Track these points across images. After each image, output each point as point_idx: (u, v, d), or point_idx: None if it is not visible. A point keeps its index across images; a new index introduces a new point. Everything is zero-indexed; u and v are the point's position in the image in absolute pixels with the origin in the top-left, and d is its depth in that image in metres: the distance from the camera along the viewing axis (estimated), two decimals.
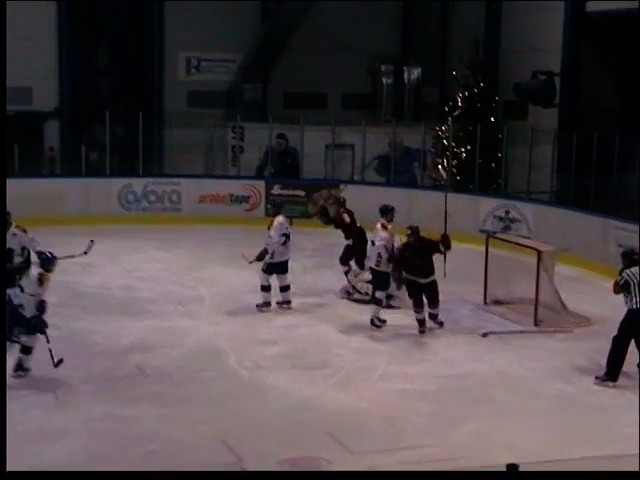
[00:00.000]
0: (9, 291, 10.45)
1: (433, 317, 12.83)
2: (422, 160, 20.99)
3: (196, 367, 11.28)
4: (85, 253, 11.78)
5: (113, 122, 20.64)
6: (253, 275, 13.79)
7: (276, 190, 20.29)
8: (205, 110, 21.98)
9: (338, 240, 15.06)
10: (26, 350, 10.53)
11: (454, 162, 20.61)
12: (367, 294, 13.77)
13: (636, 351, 10.86)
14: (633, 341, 10.83)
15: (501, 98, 21.20)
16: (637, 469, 7.02)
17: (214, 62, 23.66)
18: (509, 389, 10.78)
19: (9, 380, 10.35)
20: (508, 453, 8.58)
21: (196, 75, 23.63)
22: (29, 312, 10.33)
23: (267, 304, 13.55)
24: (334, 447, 9.04)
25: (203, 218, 19.56)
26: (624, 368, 10.91)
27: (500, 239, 14.90)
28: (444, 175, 15.33)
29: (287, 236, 13.54)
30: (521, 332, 12.94)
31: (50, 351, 10.42)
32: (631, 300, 10.74)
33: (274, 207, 14.02)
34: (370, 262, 13.22)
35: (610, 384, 10.85)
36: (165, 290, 14.61)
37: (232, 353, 11.69)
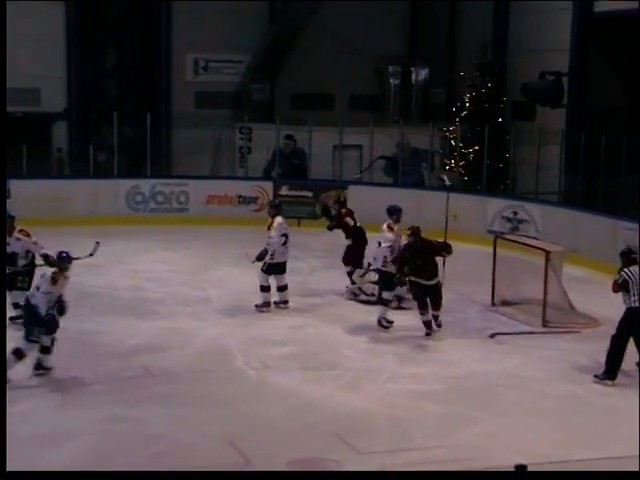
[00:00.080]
0: (28, 292, 10.50)
1: (434, 318, 12.72)
2: (430, 161, 20.99)
3: (203, 368, 11.28)
4: (91, 255, 11.80)
5: (121, 123, 20.68)
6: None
7: (284, 191, 20.29)
8: (213, 111, 22.05)
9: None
10: (45, 350, 10.59)
11: (462, 163, 20.60)
12: (373, 295, 13.76)
13: (635, 350, 10.86)
14: (632, 339, 10.85)
15: (509, 99, 21.18)
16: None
17: (222, 63, 23.71)
18: (517, 390, 10.75)
19: (18, 380, 10.40)
20: (516, 454, 8.54)
21: (204, 76, 23.66)
22: (42, 310, 10.37)
23: (267, 304, 13.57)
24: (342, 448, 9.03)
25: (211, 219, 19.57)
26: (623, 367, 10.92)
27: (508, 240, 14.88)
28: (447, 181, 15.28)
29: (287, 236, 13.58)
30: (529, 333, 12.91)
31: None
32: (629, 299, 10.78)
33: (273, 208, 14.01)
34: (376, 263, 13.21)
35: (609, 382, 10.88)
36: (172, 291, 14.62)
37: (239, 354, 11.69)
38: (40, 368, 10.63)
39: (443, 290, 12.82)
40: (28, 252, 12.23)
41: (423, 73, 23.92)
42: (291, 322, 13.20)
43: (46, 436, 9.15)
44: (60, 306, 10.58)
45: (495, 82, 20.98)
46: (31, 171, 19.38)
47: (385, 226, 13.17)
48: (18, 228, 12.29)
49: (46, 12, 21.86)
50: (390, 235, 12.97)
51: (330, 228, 14.88)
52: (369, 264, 14.12)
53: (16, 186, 19.13)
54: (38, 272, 12.19)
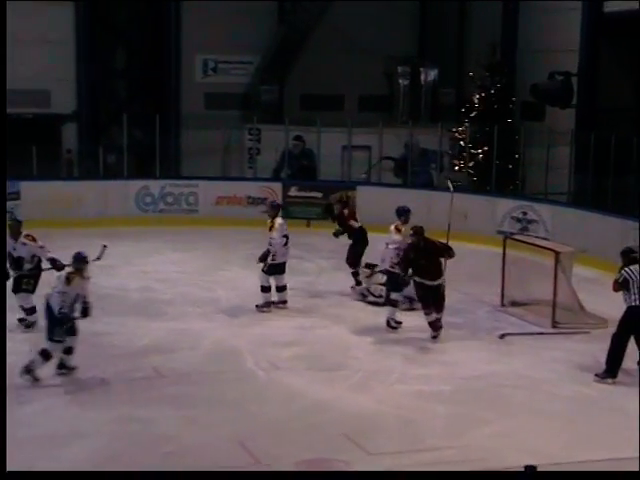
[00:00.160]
0: (47, 294, 10.62)
1: (436, 319, 12.52)
2: (439, 162, 20.97)
3: (213, 369, 11.30)
4: (98, 259, 11.82)
5: (130, 124, 20.73)
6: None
7: (293, 192, 20.32)
8: (222, 112, 22.07)
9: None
10: (68, 350, 10.65)
11: (471, 163, 20.59)
12: (381, 297, 13.77)
13: (636, 348, 10.88)
14: (633, 338, 10.87)
15: (518, 99, 21.16)
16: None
17: (231, 64, 23.74)
18: (526, 391, 10.74)
19: (27, 383, 10.44)
20: (526, 455, 8.55)
21: (213, 77, 23.70)
22: (56, 309, 10.42)
23: (268, 304, 13.62)
24: (351, 449, 9.03)
25: (220, 220, 19.60)
26: (624, 365, 10.94)
27: (517, 240, 14.86)
28: (451, 187, 15.26)
29: (287, 237, 13.66)
30: (539, 334, 12.90)
31: None
32: (630, 297, 10.82)
33: (273, 209, 14.04)
34: (384, 264, 13.23)
35: (610, 381, 10.91)
36: (182, 292, 14.65)
37: (249, 355, 11.70)
38: (63, 367, 10.71)
39: (451, 291, 12.79)
40: (34, 256, 12.31)
41: (432, 74, 23.92)
42: (300, 323, 13.21)
43: (57, 436, 9.18)
44: (84, 308, 10.68)
45: (504, 82, 20.95)
46: (41, 172, 19.43)
47: (393, 227, 13.19)
48: (24, 233, 12.33)
49: (55, 14, 21.92)
50: (397, 237, 12.98)
51: (336, 235, 14.91)
52: (371, 265, 14.17)
53: (26, 187, 19.23)
54: (44, 275, 12.32)
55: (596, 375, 11.02)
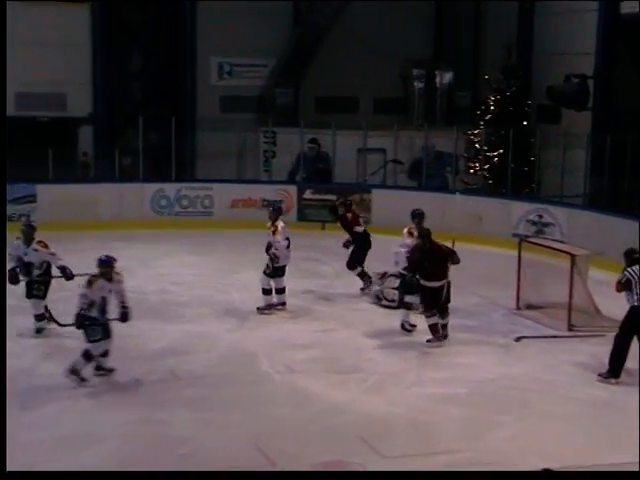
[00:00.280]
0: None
1: (442, 327, 12.38)
2: (454, 164, 20.96)
3: (229, 371, 11.32)
4: (69, 279, 12.08)
5: (146, 127, 20.81)
6: (286, 280, 13.81)
7: (308, 194, 20.35)
8: (237, 115, 22.14)
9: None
10: (104, 353, 10.73)
11: (486, 166, 20.57)
12: (394, 301, 13.77)
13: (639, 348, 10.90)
14: (636, 338, 10.88)
15: (534, 102, 21.13)
16: None
17: (246, 67, 23.79)
18: (542, 394, 10.71)
19: (46, 383, 10.49)
20: (541, 458, 8.55)
21: (228, 80, 23.75)
22: (78, 310, 10.47)
23: (269, 307, 13.68)
24: (366, 451, 9.04)
25: (235, 223, 19.63)
26: (628, 365, 10.95)
27: (533, 243, 14.83)
28: (459, 199, 15.26)
29: (289, 240, 13.74)
30: (554, 337, 12.87)
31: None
32: (633, 297, 10.85)
33: (275, 212, 14.07)
34: (397, 267, 13.25)
35: (612, 381, 10.93)
36: (198, 294, 14.68)
37: (264, 357, 11.72)
38: (100, 369, 10.79)
39: (467, 293, 12.75)
40: (43, 263, 12.34)
41: (447, 76, 23.90)
42: (315, 326, 13.22)
43: (73, 438, 9.22)
44: (123, 312, 10.74)
45: (520, 85, 20.93)
46: (57, 175, 19.52)
47: (405, 231, 13.25)
48: (37, 239, 12.36)
49: (71, 17, 22.02)
50: (409, 240, 13.01)
51: (346, 245, 14.94)
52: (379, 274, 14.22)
53: (42, 190, 19.33)
54: (55, 281, 12.39)
55: (599, 375, 11.06)
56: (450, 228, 16.62)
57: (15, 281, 12.25)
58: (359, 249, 14.76)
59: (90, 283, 10.54)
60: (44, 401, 10.10)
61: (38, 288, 12.35)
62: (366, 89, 23.73)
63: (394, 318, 13.13)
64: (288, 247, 13.70)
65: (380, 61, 23.19)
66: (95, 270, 10.67)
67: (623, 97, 19.34)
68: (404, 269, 12.93)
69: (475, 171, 20.89)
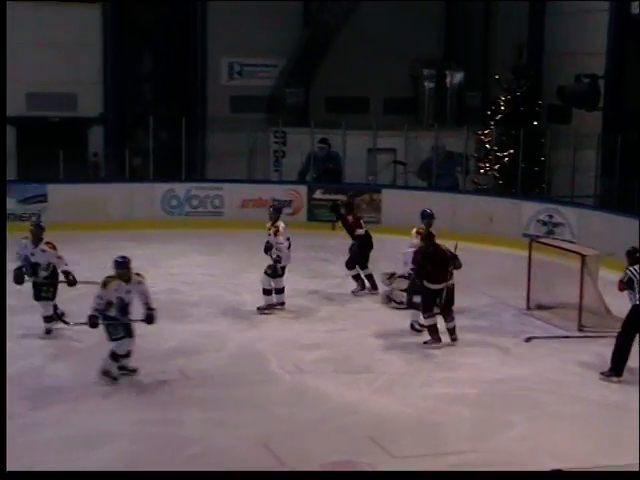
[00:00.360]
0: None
1: (449, 331, 12.31)
2: (464, 164, 20.94)
3: (239, 371, 11.33)
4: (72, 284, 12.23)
5: (156, 127, 20.84)
6: (296, 280, 13.84)
7: (318, 194, 20.36)
8: (247, 115, 22.15)
9: (380, 245, 15.10)
10: (126, 353, 10.76)
11: (497, 166, 20.54)
12: (402, 303, 13.75)
13: None
14: (639, 337, 10.89)
15: (544, 102, 21.09)
16: None
17: (256, 67, 23.79)
18: (553, 394, 10.69)
19: (54, 383, 10.51)
20: (552, 458, 8.54)
21: (239, 80, 23.76)
22: (92, 310, 10.52)
23: (269, 307, 13.70)
24: (376, 451, 9.03)
25: (245, 223, 19.61)
26: (630, 364, 10.94)
27: (543, 243, 14.81)
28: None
29: (289, 240, 13.77)
30: (564, 337, 12.84)
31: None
32: (635, 296, 10.85)
33: (276, 212, 14.07)
34: (406, 268, 13.25)
35: (615, 379, 10.94)
36: (208, 294, 14.70)
37: (274, 357, 11.73)
38: (123, 369, 10.81)
39: (477, 294, 12.73)
40: (49, 264, 12.29)
41: (458, 76, 23.87)
42: (325, 326, 13.22)
43: (83, 438, 9.22)
44: (148, 315, 10.70)
45: (530, 85, 20.89)
46: (67, 175, 19.57)
47: (414, 231, 13.26)
48: (45, 240, 12.34)
49: (82, 17, 22.07)
50: (416, 241, 12.99)
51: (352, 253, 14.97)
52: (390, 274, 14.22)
53: (53, 190, 19.38)
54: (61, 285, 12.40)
55: (601, 373, 11.07)
56: (460, 228, 16.63)
57: (20, 281, 12.18)
58: (360, 250, 14.74)
59: (105, 284, 10.53)
60: (53, 401, 10.12)
61: (47, 290, 12.32)
62: (376, 89, 23.72)
63: (404, 319, 13.12)
64: (289, 247, 13.71)
65: (390, 61, 23.17)
66: (110, 271, 10.64)
67: (634, 97, 19.30)
68: (412, 270, 12.92)
69: (485, 171, 20.86)
